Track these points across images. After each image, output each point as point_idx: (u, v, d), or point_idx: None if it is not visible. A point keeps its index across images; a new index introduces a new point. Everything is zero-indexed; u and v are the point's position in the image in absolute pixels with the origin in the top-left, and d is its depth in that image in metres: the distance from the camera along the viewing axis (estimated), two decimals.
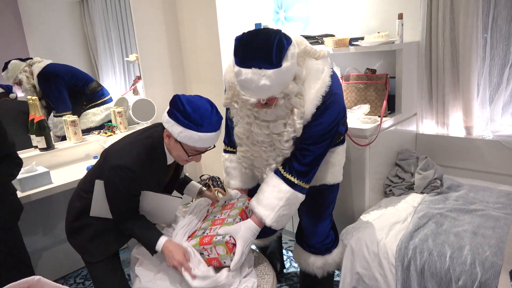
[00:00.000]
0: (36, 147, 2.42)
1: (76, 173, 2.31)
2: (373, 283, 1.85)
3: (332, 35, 2.57)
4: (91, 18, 2.79)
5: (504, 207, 2.00)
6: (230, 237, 1.50)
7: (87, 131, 2.74)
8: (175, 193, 1.81)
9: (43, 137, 2.37)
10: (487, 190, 2.20)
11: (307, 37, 2.33)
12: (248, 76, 1.30)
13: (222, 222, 1.59)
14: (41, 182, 2.09)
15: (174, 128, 1.47)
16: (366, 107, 2.30)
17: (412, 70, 2.41)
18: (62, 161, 2.50)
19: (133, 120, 2.85)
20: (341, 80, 2.48)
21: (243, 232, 1.52)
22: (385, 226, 1.94)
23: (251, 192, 1.82)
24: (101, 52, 2.88)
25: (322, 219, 1.86)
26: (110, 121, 2.83)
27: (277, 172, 1.59)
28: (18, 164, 1.73)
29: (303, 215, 1.91)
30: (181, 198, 1.71)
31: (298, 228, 2.02)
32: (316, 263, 1.91)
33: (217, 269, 1.55)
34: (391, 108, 2.38)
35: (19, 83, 2.46)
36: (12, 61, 2.41)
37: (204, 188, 1.95)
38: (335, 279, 2.18)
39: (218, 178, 3.01)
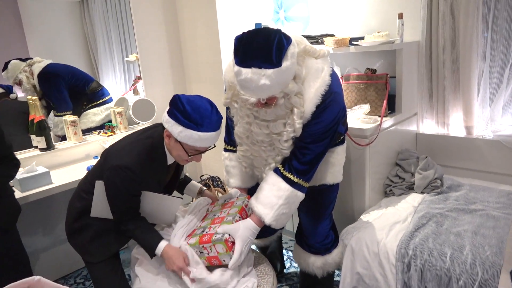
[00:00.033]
0: (36, 147, 2.42)
1: (76, 173, 2.31)
2: (374, 283, 1.85)
3: (332, 35, 2.57)
4: (91, 18, 2.79)
5: (504, 207, 2.00)
6: (229, 235, 1.50)
7: (87, 131, 2.74)
8: (175, 193, 1.81)
9: (43, 137, 2.37)
10: (488, 190, 2.19)
11: (307, 37, 2.33)
12: (248, 76, 1.30)
13: (221, 220, 1.59)
14: (41, 182, 2.09)
15: (174, 128, 1.47)
16: (366, 107, 2.30)
17: (412, 70, 2.41)
18: (62, 161, 2.50)
19: (133, 120, 2.85)
20: (341, 80, 2.48)
21: (242, 232, 1.52)
22: (385, 226, 1.93)
23: (251, 191, 1.82)
24: (101, 52, 2.88)
25: (321, 219, 1.86)
26: (110, 121, 2.83)
27: (276, 170, 1.59)
28: (16, 165, 1.73)
29: (302, 215, 1.91)
30: (181, 198, 1.71)
31: (298, 228, 2.02)
32: (316, 263, 1.91)
33: (214, 268, 1.55)
34: (391, 108, 2.38)
35: (19, 83, 2.46)
36: (12, 61, 2.41)
37: (205, 188, 1.95)
38: (335, 279, 2.18)
39: (218, 178, 3.01)
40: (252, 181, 1.86)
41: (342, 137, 1.82)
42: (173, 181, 1.78)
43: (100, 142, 2.66)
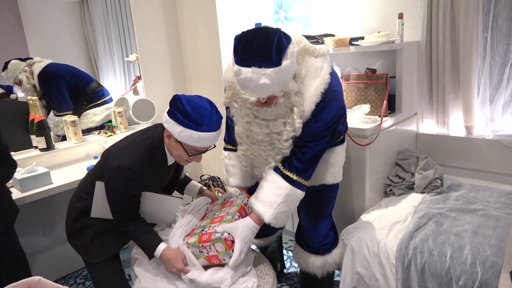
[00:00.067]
0: (36, 147, 2.42)
1: (76, 173, 2.31)
2: (374, 283, 1.85)
3: (332, 35, 2.57)
4: (91, 18, 2.79)
5: (504, 206, 2.00)
6: (228, 234, 1.50)
7: (87, 131, 2.74)
8: (175, 193, 1.81)
9: (43, 137, 2.37)
10: (488, 189, 2.19)
11: (307, 37, 2.32)
12: (248, 75, 1.30)
13: (221, 219, 1.60)
14: (42, 182, 2.09)
15: (174, 128, 1.47)
16: (366, 107, 2.30)
17: (412, 69, 2.41)
18: (62, 161, 2.50)
19: (133, 120, 2.85)
20: (341, 80, 2.48)
21: (242, 230, 1.52)
22: (385, 226, 1.93)
23: (251, 190, 1.82)
24: (101, 52, 2.88)
25: (321, 219, 1.86)
26: (110, 121, 2.83)
27: (276, 169, 1.59)
28: (12, 166, 1.72)
29: (302, 215, 1.91)
30: (182, 198, 1.71)
31: (298, 228, 2.02)
32: (316, 263, 1.91)
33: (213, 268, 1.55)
34: (391, 108, 2.38)
35: (19, 83, 2.46)
36: (12, 61, 2.41)
37: (205, 188, 1.95)
38: (335, 279, 2.18)
39: (218, 178, 3.01)
40: (252, 180, 1.86)
41: (342, 137, 1.82)
42: (173, 181, 1.78)
43: (100, 142, 2.66)
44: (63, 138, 2.64)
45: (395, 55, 2.28)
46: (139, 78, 3.02)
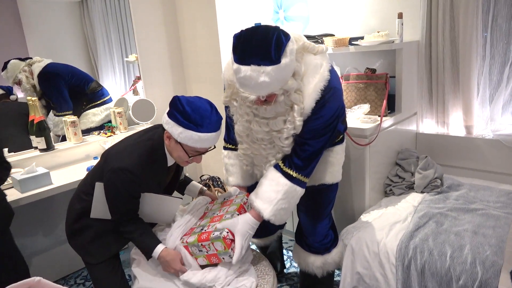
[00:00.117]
0: (36, 148, 2.42)
1: (76, 173, 2.31)
2: (374, 283, 1.85)
3: (332, 35, 2.57)
4: (91, 19, 2.79)
5: (504, 206, 2.00)
6: (227, 232, 1.49)
7: (87, 132, 2.74)
8: (175, 193, 1.81)
9: (43, 138, 2.37)
10: (488, 189, 2.19)
11: (307, 37, 2.32)
12: (247, 73, 1.30)
13: (220, 218, 1.59)
14: (41, 182, 2.09)
15: (174, 129, 1.47)
16: (366, 107, 2.30)
17: (412, 69, 2.41)
18: (62, 161, 2.50)
19: (133, 121, 2.85)
20: (341, 80, 2.48)
21: (241, 226, 1.51)
22: (385, 225, 1.93)
23: (250, 189, 1.82)
24: (101, 52, 2.88)
25: (321, 218, 1.86)
26: (110, 121, 2.83)
27: (276, 166, 1.59)
28: (7, 168, 1.70)
29: (302, 215, 1.91)
30: (182, 199, 1.71)
31: (298, 227, 2.02)
32: (316, 262, 1.91)
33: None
34: (391, 108, 2.38)
35: (19, 83, 2.46)
36: (12, 61, 2.41)
37: (205, 188, 1.95)
38: (335, 279, 2.18)
39: (218, 178, 3.01)
40: (252, 179, 1.86)
41: (341, 136, 1.82)
42: (173, 182, 1.78)
43: (100, 143, 2.66)
44: (63, 138, 2.63)
45: (394, 55, 2.28)
46: (138, 78, 3.02)
